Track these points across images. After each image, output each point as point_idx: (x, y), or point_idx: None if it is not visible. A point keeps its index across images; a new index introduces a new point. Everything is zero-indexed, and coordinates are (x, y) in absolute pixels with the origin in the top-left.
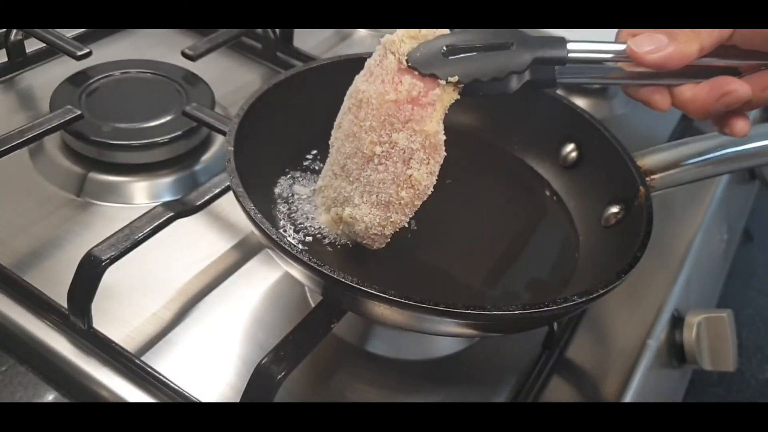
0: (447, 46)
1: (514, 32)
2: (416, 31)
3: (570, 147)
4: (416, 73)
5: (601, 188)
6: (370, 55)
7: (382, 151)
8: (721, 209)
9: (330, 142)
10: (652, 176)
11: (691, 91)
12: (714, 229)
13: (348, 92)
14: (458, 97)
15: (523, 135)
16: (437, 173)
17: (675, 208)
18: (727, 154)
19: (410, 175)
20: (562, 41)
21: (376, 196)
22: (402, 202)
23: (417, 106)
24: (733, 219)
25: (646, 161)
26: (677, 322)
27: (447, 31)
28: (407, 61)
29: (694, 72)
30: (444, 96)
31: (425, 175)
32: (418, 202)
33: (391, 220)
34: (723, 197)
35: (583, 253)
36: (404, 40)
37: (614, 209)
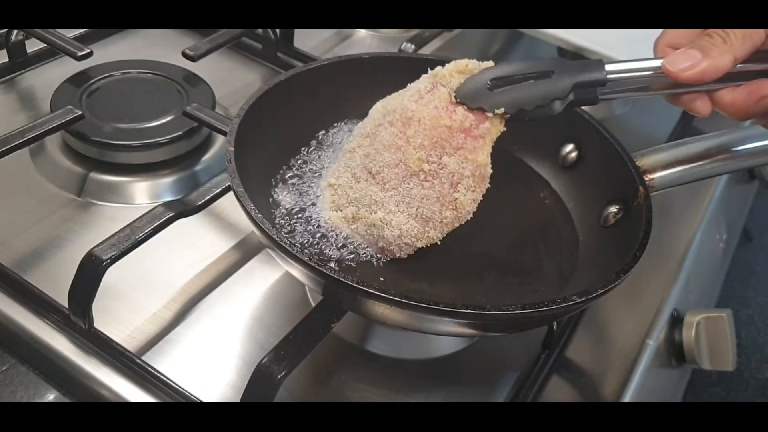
0: (492, 80)
1: (555, 60)
2: (464, 65)
3: (569, 147)
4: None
5: (601, 188)
6: (369, 55)
7: (430, 170)
8: (720, 209)
9: (351, 147)
10: (651, 176)
11: (729, 96)
12: (713, 228)
13: (385, 107)
14: (504, 128)
15: (523, 135)
16: (479, 202)
17: (674, 208)
18: (726, 154)
19: (456, 198)
20: (600, 64)
21: (416, 209)
22: (444, 221)
23: (469, 136)
24: (732, 219)
25: (646, 161)
26: (676, 321)
27: (491, 63)
28: (455, 96)
29: (731, 77)
30: (492, 129)
31: (470, 201)
32: (457, 224)
33: (428, 234)
34: (722, 197)
35: (583, 253)
36: (453, 74)
37: (613, 209)
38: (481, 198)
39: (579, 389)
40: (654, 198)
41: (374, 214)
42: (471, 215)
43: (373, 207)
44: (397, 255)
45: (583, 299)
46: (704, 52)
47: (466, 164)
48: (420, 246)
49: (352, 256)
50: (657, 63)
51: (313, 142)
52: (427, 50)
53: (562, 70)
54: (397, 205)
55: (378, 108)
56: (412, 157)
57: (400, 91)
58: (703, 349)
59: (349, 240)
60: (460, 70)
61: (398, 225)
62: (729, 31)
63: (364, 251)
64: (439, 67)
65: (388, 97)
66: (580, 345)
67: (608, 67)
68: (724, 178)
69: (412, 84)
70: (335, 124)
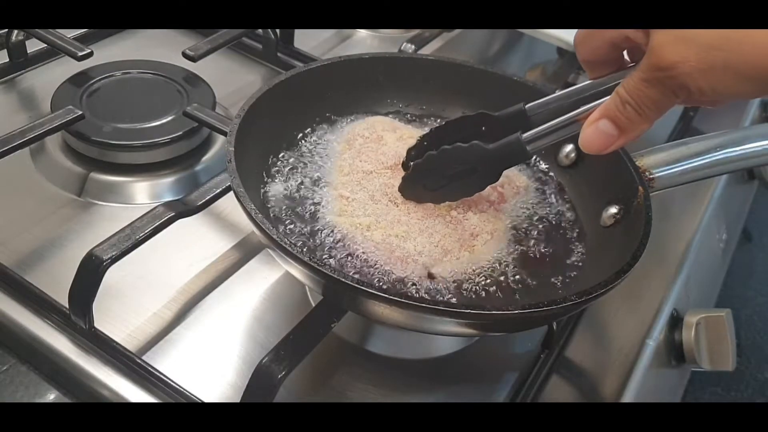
0: (425, 183)
1: (474, 152)
2: None
3: (569, 147)
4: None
5: (601, 188)
6: (370, 56)
7: (456, 216)
8: (720, 209)
9: (367, 169)
10: (651, 176)
11: None
12: (713, 228)
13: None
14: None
15: None
16: (492, 252)
17: (674, 208)
18: (726, 154)
19: (473, 245)
20: (519, 143)
21: (438, 240)
22: (460, 258)
23: (493, 207)
24: (731, 219)
25: (646, 161)
26: (676, 321)
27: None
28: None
29: None
30: (507, 210)
31: (485, 251)
32: (470, 265)
33: (444, 264)
34: (722, 197)
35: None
36: None
37: (613, 209)
38: (496, 248)
39: (579, 389)
40: (654, 198)
41: (396, 228)
42: (486, 261)
43: (395, 224)
44: (410, 268)
45: (583, 299)
46: (620, 129)
47: (487, 224)
48: (433, 271)
49: (352, 260)
50: (572, 129)
51: (315, 142)
52: (427, 50)
53: (486, 163)
54: (420, 232)
55: (392, 137)
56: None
57: (415, 133)
58: (703, 349)
59: (357, 246)
60: None
61: (421, 243)
62: (641, 101)
63: (371, 258)
64: None
65: (401, 126)
66: (580, 345)
67: (530, 147)
68: (724, 179)
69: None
70: (336, 124)
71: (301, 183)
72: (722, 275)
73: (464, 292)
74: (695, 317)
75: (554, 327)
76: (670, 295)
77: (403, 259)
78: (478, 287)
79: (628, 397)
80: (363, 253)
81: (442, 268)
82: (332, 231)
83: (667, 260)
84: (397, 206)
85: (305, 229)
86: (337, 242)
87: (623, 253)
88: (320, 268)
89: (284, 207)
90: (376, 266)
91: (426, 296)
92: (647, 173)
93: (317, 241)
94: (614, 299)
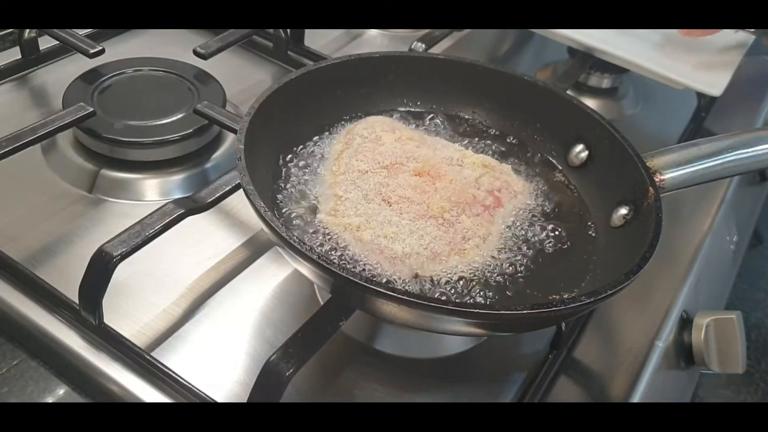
0: None
1: None
2: (489, 161)
3: (580, 147)
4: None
5: (611, 189)
6: (380, 54)
7: (449, 218)
8: (730, 211)
9: (362, 168)
10: (662, 177)
11: None
12: (723, 230)
13: (407, 153)
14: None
15: (533, 135)
16: (484, 256)
17: (684, 209)
18: (737, 155)
19: (464, 249)
20: None
21: (428, 243)
22: (449, 262)
23: (487, 211)
24: (742, 221)
25: (656, 162)
26: (686, 323)
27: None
28: None
29: None
30: (506, 214)
31: (475, 254)
32: (459, 269)
33: (431, 268)
34: (733, 199)
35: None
36: (478, 166)
37: (623, 210)
38: (487, 253)
39: (587, 390)
40: (664, 199)
41: (386, 229)
42: (478, 264)
43: (385, 225)
44: (397, 269)
45: (592, 300)
46: None
47: (479, 228)
48: (421, 273)
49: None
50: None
51: (323, 140)
52: (437, 49)
53: None
54: (410, 233)
55: (406, 153)
56: (436, 203)
57: (415, 134)
58: (713, 351)
59: (348, 247)
60: (485, 164)
61: (410, 245)
62: None
63: (359, 259)
64: (469, 152)
65: (400, 127)
66: (589, 346)
67: None
68: (735, 180)
69: (441, 141)
70: (345, 122)
71: (306, 181)
72: (733, 277)
73: (451, 296)
74: (705, 319)
75: (563, 328)
76: (679, 296)
77: (391, 260)
78: (465, 291)
79: (636, 399)
80: (351, 253)
81: (430, 271)
82: (322, 230)
83: (677, 261)
84: (390, 206)
85: (299, 227)
86: (327, 241)
87: (633, 254)
88: (329, 267)
89: (288, 204)
90: (364, 267)
91: None
92: (658, 174)
93: (306, 238)
94: (623, 300)
